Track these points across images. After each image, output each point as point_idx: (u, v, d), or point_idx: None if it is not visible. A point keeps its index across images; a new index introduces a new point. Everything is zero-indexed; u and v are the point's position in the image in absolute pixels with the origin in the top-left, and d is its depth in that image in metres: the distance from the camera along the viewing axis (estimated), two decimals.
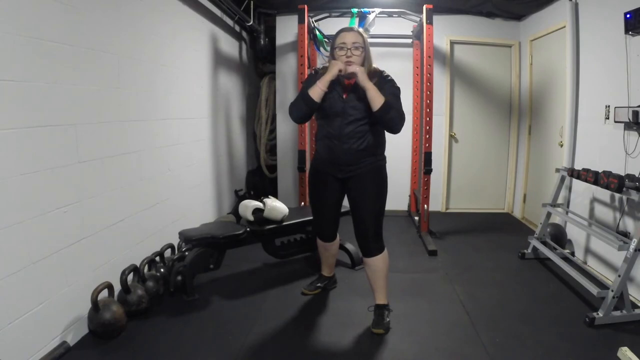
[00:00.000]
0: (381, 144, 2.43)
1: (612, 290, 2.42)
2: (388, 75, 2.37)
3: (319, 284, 2.92)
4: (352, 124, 2.30)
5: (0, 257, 1.75)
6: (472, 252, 3.76)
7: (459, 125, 5.11)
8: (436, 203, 5.07)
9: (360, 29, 2.40)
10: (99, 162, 2.37)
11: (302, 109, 2.32)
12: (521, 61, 4.87)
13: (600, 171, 2.81)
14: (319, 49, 4.56)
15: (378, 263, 2.42)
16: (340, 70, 2.23)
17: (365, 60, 2.31)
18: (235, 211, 4.50)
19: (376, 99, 2.18)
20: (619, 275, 2.42)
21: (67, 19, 2.09)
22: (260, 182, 5.35)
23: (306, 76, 3.97)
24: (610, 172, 2.70)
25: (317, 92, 2.25)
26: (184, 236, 2.84)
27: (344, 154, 2.34)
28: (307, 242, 3.37)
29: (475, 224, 4.65)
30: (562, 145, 3.81)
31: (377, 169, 2.40)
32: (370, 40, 4.52)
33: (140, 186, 2.81)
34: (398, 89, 2.34)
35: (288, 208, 3.18)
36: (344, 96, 2.32)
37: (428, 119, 3.94)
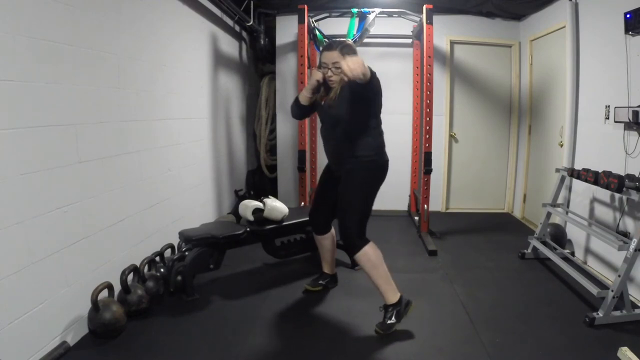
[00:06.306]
0: (364, 146, 2.43)
1: (612, 290, 2.42)
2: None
3: (321, 281, 2.94)
4: (330, 129, 2.52)
5: (0, 257, 1.75)
6: (472, 252, 3.76)
7: (459, 125, 5.11)
8: (436, 203, 5.07)
9: (348, 42, 2.45)
10: (99, 162, 2.37)
11: (294, 110, 2.61)
12: (521, 61, 4.87)
13: (600, 171, 2.81)
14: (319, 49, 4.55)
15: (361, 261, 2.41)
16: (317, 80, 2.40)
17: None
18: (235, 211, 4.50)
19: (357, 66, 2.02)
20: (619, 275, 2.42)
21: (68, 19, 2.09)
22: (260, 182, 5.35)
23: (306, 76, 4.01)
24: (610, 172, 2.70)
25: (302, 96, 2.50)
26: (184, 236, 2.84)
27: (330, 154, 2.62)
28: (307, 242, 3.37)
29: (475, 224, 4.64)
30: (562, 145, 3.81)
31: (357, 170, 2.45)
32: (370, 40, 4.59)
33: (140, 186, 2.81)
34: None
35: (288, 208, 3.18)
36: (322, 103, 2.53)
37: (428, 119, 3.94)
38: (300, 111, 2.58)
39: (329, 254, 2.92)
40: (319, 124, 4.87)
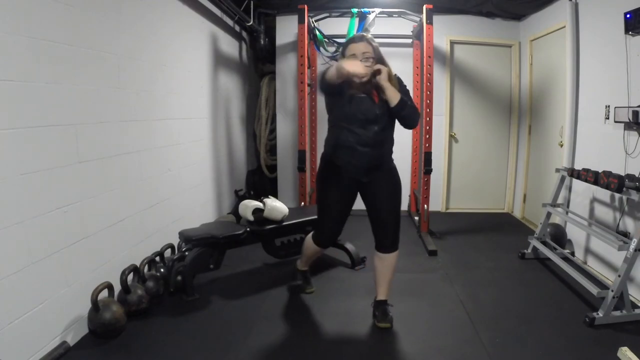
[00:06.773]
0: (393, 146, 2.50)
1: (612, 290, 2.42)
2: (396, 75, 2.36)
3: (308, 277, 2.93)
4: (383, 130, 2.30)
5: (0, 257, 1.75)
6: (472, 252, 3.76)
7: (459, 125, 5.11)
8: (436, 203, 5.07)
9: (369, 36, 2.36)
10: (99, 162, 2.37)
11: (324, 84, 2.24)
12: (521, 61, 4.87)
13: (600, 171, 2.81)
14: (319, 49, 4.56)
15: (392, 259, 2.51)
16: (358, 77, 2.12)
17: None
18: (235, 211, 4.50)
19: (393, 97, 2.23)
20: (619, 275, 2.42)
21: (68, 19, 2.09)
22: (260, 182, 5.35)
23: (306, 76, 4.01)
24: (610, 172, 2.70)
25: (331, 78, 2.14)
26: (184, 236, 2.84)
27: (372, 159, 2.33)
28: None
29: (475, 224, 4.64)
30: (562, 145, 3.81)
31: (394, 170, 2.50)
32: None
33: (140, 186, 2.81)
34: (405, 86, 2.38)
35: (288, 208, 3.17)
36: (376, 101, 2.27)
37: (428, 119, 3.94)
38: (329, 89, 2.25)
39: (318, 255, 2.89)
40: (320, 124, 4.92)
